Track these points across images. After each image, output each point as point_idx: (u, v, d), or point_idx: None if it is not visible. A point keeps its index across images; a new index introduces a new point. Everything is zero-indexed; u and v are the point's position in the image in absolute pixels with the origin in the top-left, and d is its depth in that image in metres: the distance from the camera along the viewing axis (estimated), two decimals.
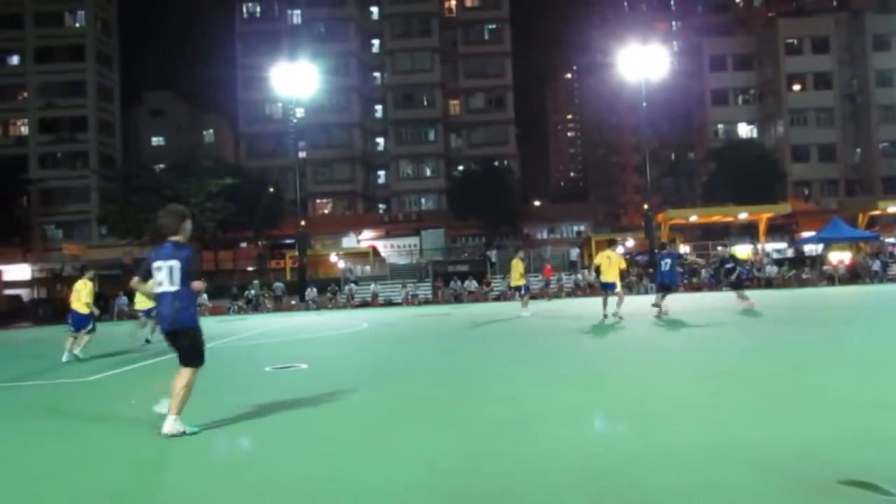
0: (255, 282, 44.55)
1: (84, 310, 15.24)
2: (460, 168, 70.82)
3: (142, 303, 18.63)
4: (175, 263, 6.56)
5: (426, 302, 43.32)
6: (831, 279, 41.40)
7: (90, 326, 15.42)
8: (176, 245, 6.69)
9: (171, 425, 6.44)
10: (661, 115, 75.38)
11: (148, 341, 18.43)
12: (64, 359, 14.64)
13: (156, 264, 6.66)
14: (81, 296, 15.28)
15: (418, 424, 6.54)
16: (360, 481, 4.83)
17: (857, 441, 5.14)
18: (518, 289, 25.57)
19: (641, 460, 4.93)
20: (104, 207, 55.96)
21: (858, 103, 69.38)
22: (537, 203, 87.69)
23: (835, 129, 69.14)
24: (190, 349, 6.70)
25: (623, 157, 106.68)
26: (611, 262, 19.31)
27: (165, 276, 6.59)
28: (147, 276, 6.85)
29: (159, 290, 6.63)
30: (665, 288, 19.59)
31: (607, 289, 19.57)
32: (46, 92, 71.26)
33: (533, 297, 31.63)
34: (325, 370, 11.12)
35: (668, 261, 19.60)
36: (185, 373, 6.62)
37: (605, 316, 18.60)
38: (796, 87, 69.26)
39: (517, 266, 24.21)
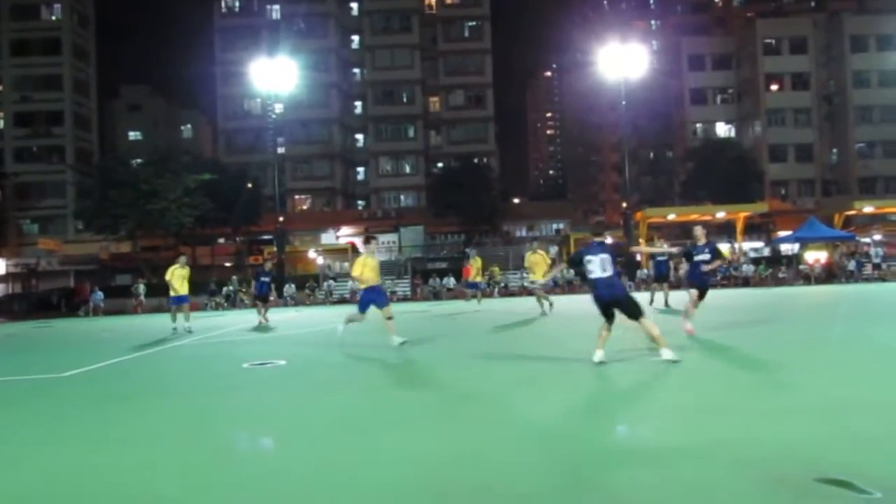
0: (234, 278, 44.32)
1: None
2: (439, 165, 70.99)
3: (175, 290, 20.69)
4: (606, 256, 9.09)
5: (405, 299, 43.27)
6: (807, 278, 41.73)
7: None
8: (601, 244, 9.27)
9: (667, 353, 8.98)
10: (641, 113, 75.91)
11: (175, 329, 20.35)
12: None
13: (587, 258, 9.17)
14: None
15: (399, 422, 6.53)
16: (341, 479, 4.83)
17: (834, 440, 5.19)
18: (474, 285, 27.26)
19: (621, 458, 4.97)
20: (80, 202, 55.41)
21: (835, 104, 70.04)
22: (516, 201, 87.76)
23: (812, 129, 69.84)
24: (632, 309, 9.03)
25: (602, 156, 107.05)
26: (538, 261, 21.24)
27: (598, 266, 9.08)
28: (578, 264, 9.37)
29: (593, 276, 9.11)
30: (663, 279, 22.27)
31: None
32: (22, 85, 70.62)
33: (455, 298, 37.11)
34: (303, 367, 11.08)
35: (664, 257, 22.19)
36: (644, 322, 9.04)
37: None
38: (774, 88, 69.84)
39: (476, 263, 26.23)
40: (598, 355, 9.18)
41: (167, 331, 20.13)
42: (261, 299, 23.57)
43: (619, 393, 7.52)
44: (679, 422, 5.92)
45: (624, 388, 7.78)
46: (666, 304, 20.94)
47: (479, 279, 26.70)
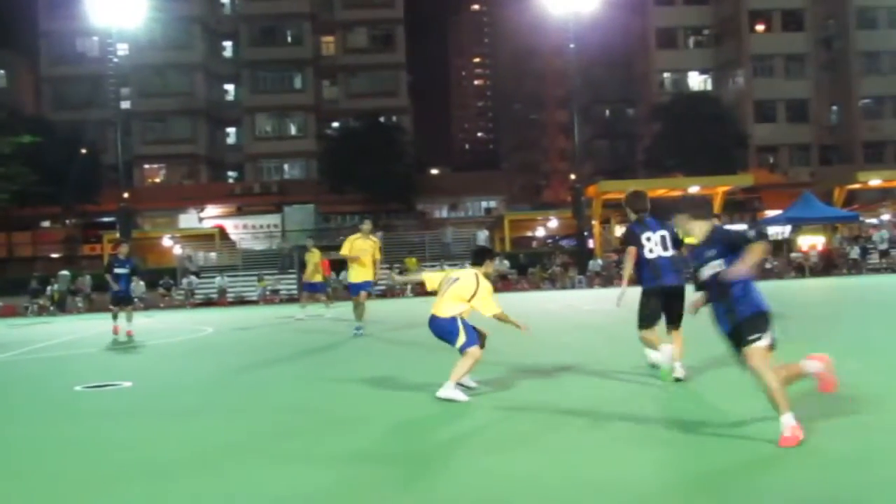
0: (63, 273, 43.43)
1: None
2: (335, 125, 70.57)
3: None
4: (665, 233, 9.14)
5: (290, 300, 43.01)
6: (801, 269, 42.50)
7: None
8: (655, 219, 9.34)
9: (680, 371, 8.97)
10: (594, 60, 76.42)
11: None
12: None
13: (645, 235, 9.16)
14: None
15: (281, 461, 6.41)
16: None
17: None
18: (314, 286, 27.26)
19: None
20: None
21: (836, 49, 71.12)
22: (435, 172, 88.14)
23: (807, 81, 71.14)
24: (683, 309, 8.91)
25: (545, 114, 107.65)
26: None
27: (660, 244, 9.12)
28: (636, 243, 9.22)
29: (651, 256, 9.10)
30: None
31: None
32: None
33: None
34: (155, 390, 10.94)
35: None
36: (680, 332, 9.17)
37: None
38: (760, 28, 70.90)
39: (313, 258, 26.39)
40: (679, 370, 9.04)
41: None
42: (120, 302, 20.91)
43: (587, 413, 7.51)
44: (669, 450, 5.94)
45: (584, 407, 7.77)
46: None
47: (318, 278, 26.65)
